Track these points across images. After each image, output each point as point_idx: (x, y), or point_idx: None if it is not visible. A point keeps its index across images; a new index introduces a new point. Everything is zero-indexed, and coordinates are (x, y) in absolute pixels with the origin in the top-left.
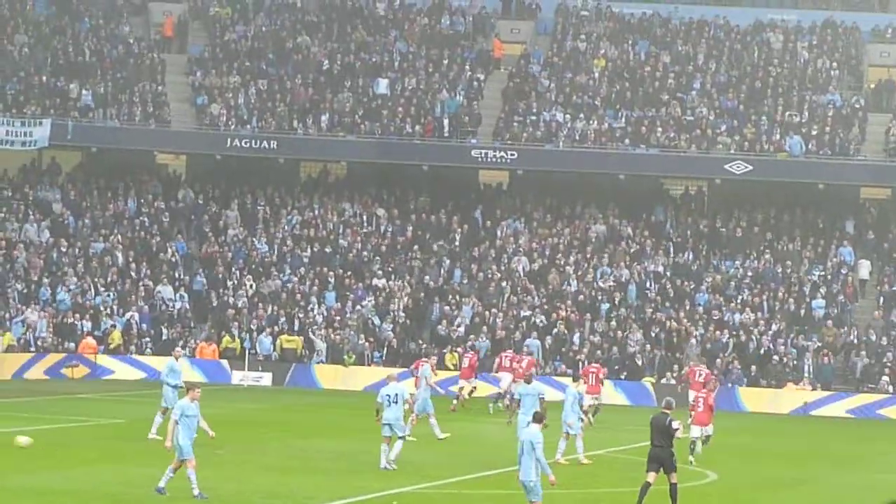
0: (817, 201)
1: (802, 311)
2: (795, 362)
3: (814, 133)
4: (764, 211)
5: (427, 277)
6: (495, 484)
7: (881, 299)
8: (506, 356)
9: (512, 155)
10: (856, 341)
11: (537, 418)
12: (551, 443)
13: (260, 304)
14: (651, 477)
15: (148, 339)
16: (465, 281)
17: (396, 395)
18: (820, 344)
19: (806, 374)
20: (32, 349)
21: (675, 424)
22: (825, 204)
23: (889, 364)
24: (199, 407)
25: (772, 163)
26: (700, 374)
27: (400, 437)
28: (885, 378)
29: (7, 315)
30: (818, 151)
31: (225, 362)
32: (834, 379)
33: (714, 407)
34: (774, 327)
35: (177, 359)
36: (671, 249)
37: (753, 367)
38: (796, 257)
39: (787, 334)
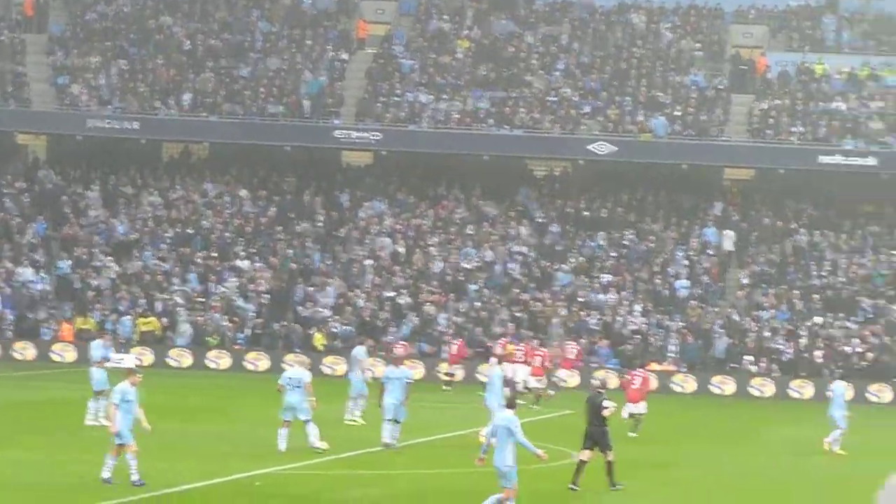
0: (681, 182)
1: (667, 292)
2: (661, 343)
3: (677, 114)
4: (628, 191)
5: (290, 258)
6: (357, 464)
7: (745, 280)
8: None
9: (375, 136)
10: (720, 321)
11: (510, 403)
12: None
13: (123, 286)
14: (585, 455)
15: (9, 321)
16: (329, 262)
17: (299, 378)
18: (684, 324)
19: (670, 354)
20: None
21: (605, 403)
22: (689, 184)
23: (752, 344)
24: (137, 393)
25: (635, 144)
26: (573, 351)
27: (305, 420)
28: (749, 357)
29: None
30: (682, 132)
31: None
32: (698, 359)
33: (649, 387)
34: (639, 308)
35: (105, 341)
36: (536, 230)
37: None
38: (661, 238)
39: (652, 315)
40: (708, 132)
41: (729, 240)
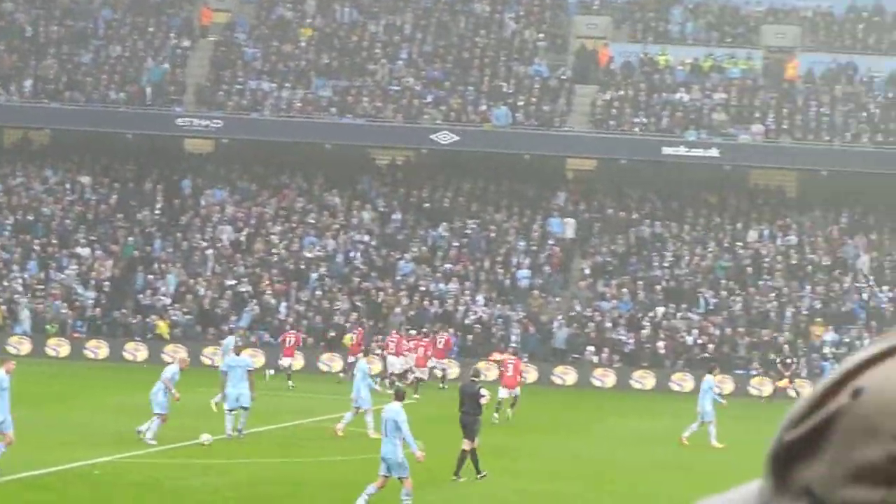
0: (524, 172)
1: (508, 282)
2: (503, 332)
3: (520, 104)
4: (471, 181)
5: (131, 246)
6: (199, 453)
7: (587, 270)
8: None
9: (217, 124)
10: (561, 312)
11: (399, 396)
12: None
13: None
14: (467, 444)
15: None
16: (170, 250)
17: (244, 365)
18: (525, 314)
19: (512, 344)
20: None
21: (482, 391)
22: (532, 174)
23: (594, 335)
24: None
25: (478, 133)
26: (440, 341)
27: (244, 408)
28: (590, 348)
29: None
30: (524, 122)
31: None
32: (539, 349)
33: (522, 372)
34: (481, 297)
35: None
36: (378, 219)
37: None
38: (503, 228)
39: (494, 304)
40: (551, 122)
41: (571, 229)
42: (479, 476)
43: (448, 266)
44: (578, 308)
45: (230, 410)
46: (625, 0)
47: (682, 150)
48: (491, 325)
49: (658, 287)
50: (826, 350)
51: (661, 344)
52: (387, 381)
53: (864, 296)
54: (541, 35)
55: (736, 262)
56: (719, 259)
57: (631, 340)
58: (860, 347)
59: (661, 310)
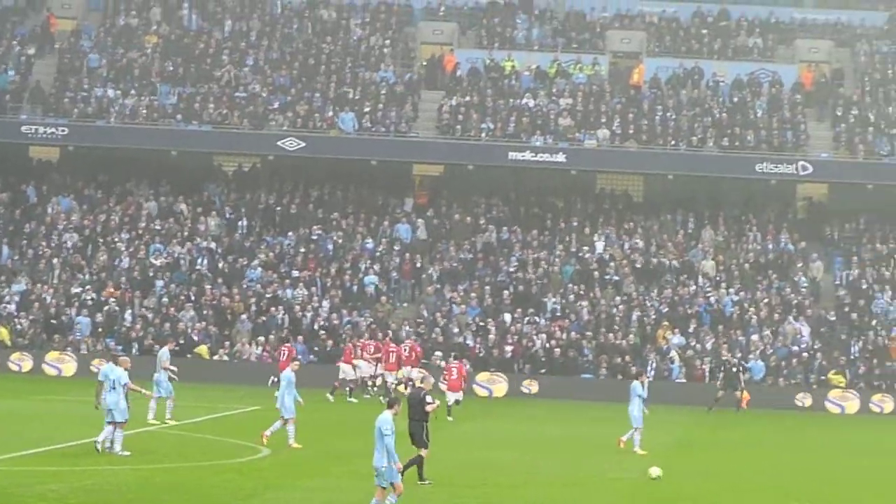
0: (371, 178)
1: (356, 288)
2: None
3: (366, 110)
4: (317, 187)
5: None
6: (47, 460)
7: (435, 276)
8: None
9: (63, 131)
10: (409, 317)
11: (389, 404)
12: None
13: None
14: (424, 452)
15: None
16: (16, 257)
17: (114, 380)
18: (373, 320)
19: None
20: None
21: (428, 399)
22: (379, 180)
23: (441, 339)
24: None
25: (325, 139)
26: (406, 348)
27: (120, 423)
28: (438, 353)
29: None
30: (371, 129)
31: None
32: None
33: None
34: (327, 304)
35: None
36: (224, 226)
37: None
38: (350, 234)
39: (341, 310)
40: (397, 128)
41: (418, 236)
42: (421, 482)
43: (295, 272)
44: (426, 313)
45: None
46: (470, 6)
47: (528, 156)
48: (339, 332)
49: (505, 292)
50: (672, 353)
51: (508, 348)
52: (347, 389)
53: (711, 299)
54: (387, 41)
55: (583, 266)
56: (566, 264)
57: (479, 345)
58: (706, 350)
59: (508, 315)
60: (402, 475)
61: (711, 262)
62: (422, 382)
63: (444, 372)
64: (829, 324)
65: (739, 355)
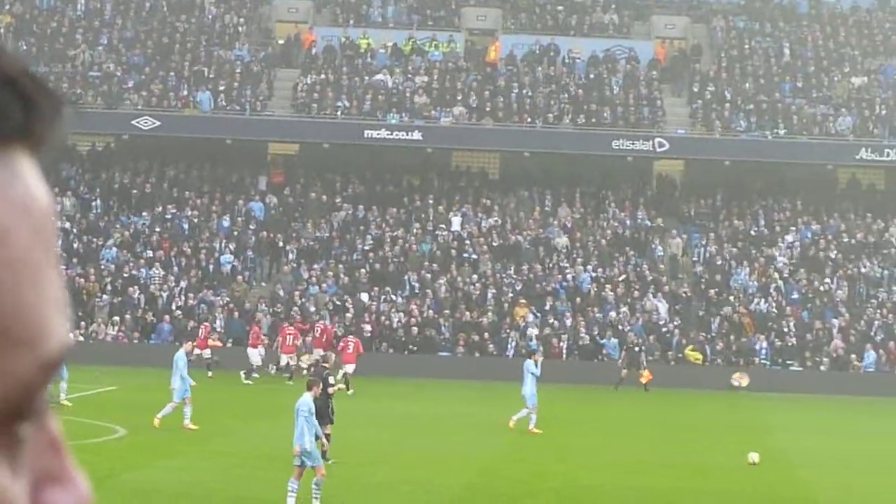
0: (226, 156)
1: (212, 267)
2: (207, 318)
3: (221, 89)
4: (173, 166)
5: None
6: None
7: (291, 254)
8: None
9: None
10: (265, 297)
11: (308, 386)
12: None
13: None
14: (328, 429)
15: None
16: None
17: None
18: (229, 300)
19: (217, 330)
20: None
21: (331, 380)
22: (234, 159)
23: (298, 318)
24: None
25: (179, 119)
26: (318, 330)
27: None
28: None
29: None
30: (226, 107)
31: None
32: (244, 334)
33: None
34: (184, 283)
35: None
36: (79, 206)
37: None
38: (206, 213)
39: (198, 290)
40: (252, 107)
41: (274, 214)
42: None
43: (150, 252)
44: (282, 293)
45: None
46: None
47: (384, 134)
48: (195, 311)
49: (362, 270)
50: (529, 331)
51: (366, 327)
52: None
53: (568, 276)
54: (241, 20)
55: (439, 244)
56: (423, 241)
57: (338, 324)
58: (564, 327)
59: (365, 293)
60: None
61: (568, 239)
62: (324, 361)
63: (341, 344)
64: (687, 300)
65: (643, 336)
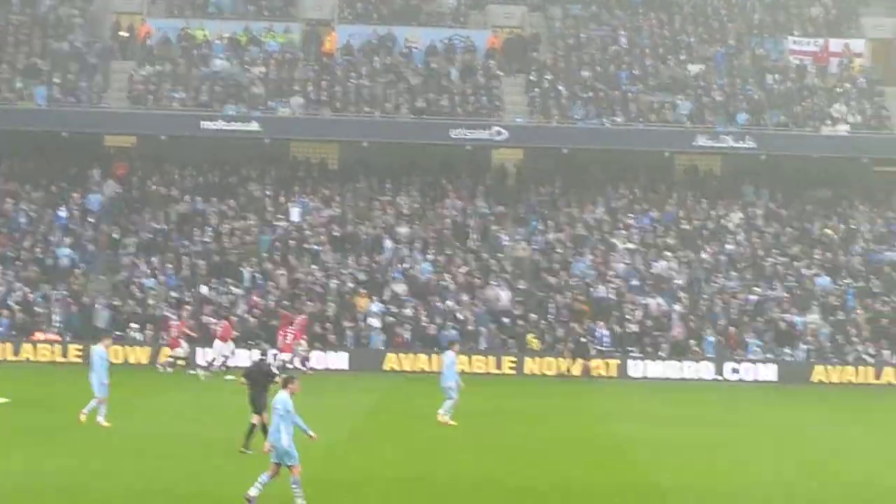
0: (62, 149)
1: (50, 261)
2: (45, 312)
3: (57, 81)
4: (8, 160)
5: None
6: None
7: (131, 247)
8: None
9: None
10: (104, 290)
11: (284, 383)
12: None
13: None
14: (255, 419)
15: None
16: None
17: None
18: (67, 293)
19: (55, 324)
20: None
21: (274, 370)
22: (70, 152)
23: (138, 311)
24: None
25: (14, 112)
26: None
27: None
28: (135, 325)
29: None
30: (61, 99)
31: None
32: (82, 328)
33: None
34: (22, 277)
35: None
36: None
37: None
38: (42, 206)
39: (36, 284)
40: (89, 99)
41: (112, 207)
42: (245, 450)
43: None
44: (122, 286)
45: None
46: None
47: (221, 125)
48: (33, 305)
49: (202, 263)
50: (371, 321)
51: (212, 320)
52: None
53: (407, 265)
54: (76, 11)
55: (279, 235)
56: (262, 233)
57: (174, 317)
58: (407, 316)
59: (204, 285)
60: (247, 447)
61: (408, 228)
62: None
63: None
64: (527, 288)
65: (587, 326)
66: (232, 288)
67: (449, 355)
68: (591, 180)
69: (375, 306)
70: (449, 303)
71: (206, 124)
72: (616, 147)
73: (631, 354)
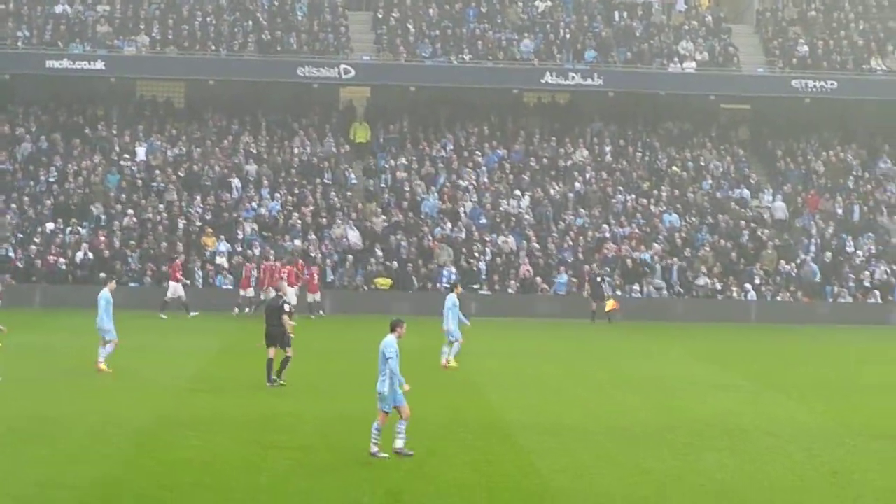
0: None
1: None
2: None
3: None
4: None
5: None
6: None
7: None
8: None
9: None
10: None
11: (392, 327)
12: None
13: None
14: (271, 352)
15: None
16: None
17: None
18: None
19: None
20: None
21: (287, 308)
22: None
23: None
24: None
25: None
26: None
27: None
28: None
29: None
30: None
31: None
32: None
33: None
34: None
35: None
36: None
37: None
38: None
39: None
40: None
41: None
42: (272, 383)
43: None
44: None
45: None
46: None
47: (66, 64)
48: None
49: (48, 202)
50: (219, 260)
51: (53, 259)
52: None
53: (255, 204)
54: None
55: (125, 174)
56: (109, 172)
57: (19, 257)
58: (252, 257)
59: (50, 225)
60: (273, 379)
61: (256, 166)
62: (279, 291)
63: (307, 276)
64: (377, 227)
65: (606, 269)
66: (79, 228)
67: (450, 298)
68: (440, 118)
69: (223, 246)
70: (297, 242)
71: (51, 63)
72: (464, 85)
73: (478, 292)
